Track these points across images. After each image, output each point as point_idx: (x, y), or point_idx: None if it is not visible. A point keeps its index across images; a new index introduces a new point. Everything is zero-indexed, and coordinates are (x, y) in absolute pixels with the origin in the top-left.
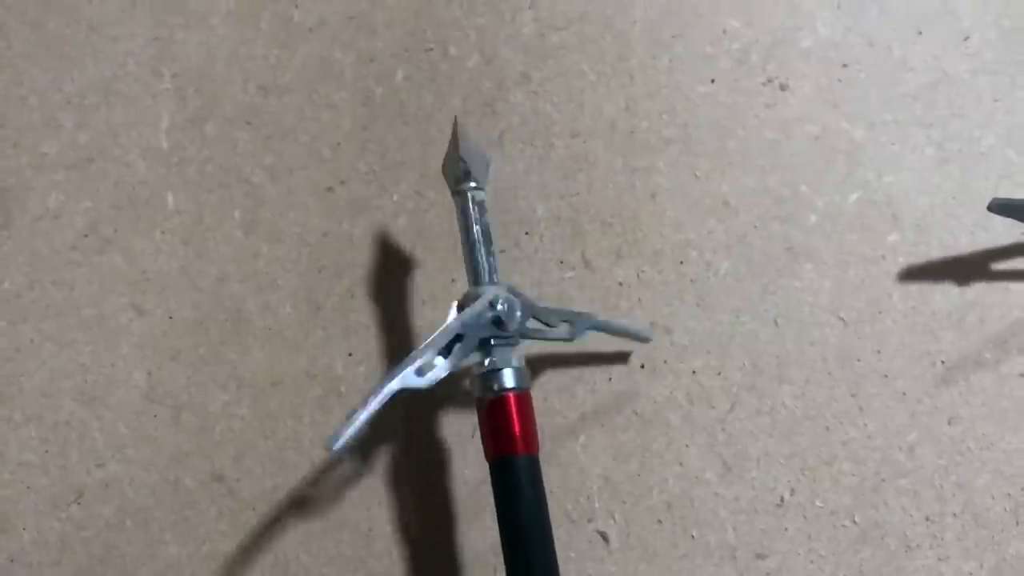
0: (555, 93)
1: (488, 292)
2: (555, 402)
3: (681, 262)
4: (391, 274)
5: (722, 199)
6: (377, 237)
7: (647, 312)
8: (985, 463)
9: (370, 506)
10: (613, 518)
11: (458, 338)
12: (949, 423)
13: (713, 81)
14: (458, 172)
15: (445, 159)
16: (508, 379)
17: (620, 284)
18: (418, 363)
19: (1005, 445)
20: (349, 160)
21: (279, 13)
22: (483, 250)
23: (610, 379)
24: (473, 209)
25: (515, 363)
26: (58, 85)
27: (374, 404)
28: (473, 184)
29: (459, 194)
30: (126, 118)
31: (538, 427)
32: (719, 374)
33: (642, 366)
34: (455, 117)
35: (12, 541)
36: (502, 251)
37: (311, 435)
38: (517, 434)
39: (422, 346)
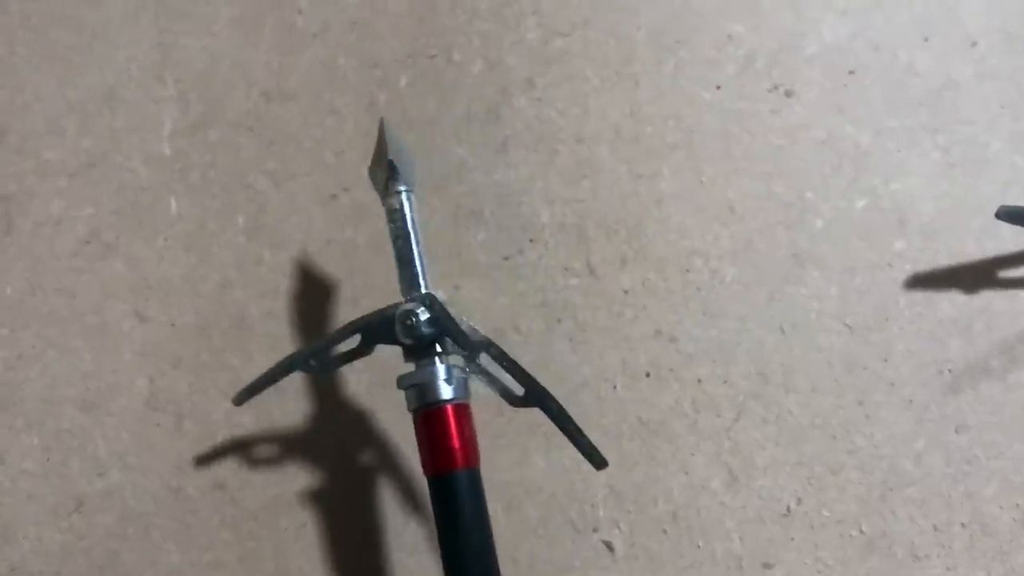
0: (559, 99)
1: (405, 303)
2: None
3: (686, 269)
4: (392, 281)
5: (728, 205)
6: (380, 244)
7: (652, 319)
8: (993, 472)
9: (371, 517)
10: (618, 527)
11: (367, 339)
12: (956, 431)
13: (718, 87)
14: (387, 175)
15: (371, 164)
16: (444, 390)
17: (625, 292)
18: (313, 350)
19: (1013, 454)
20: (352, 167)
21: (282, 19)
22: (418, 256)
23: (615, 387)
24: (407, 213)
25: (452, 373)
26: (61, 91)
27: (268, 375)
28: (404, 187)
29: (391, 197)
30: (129, 124)
31: (542, 435)
32: (725, 382)
33: (647, 374)
34: (381, 119)
35: (13, 550)
36: (506, 258)
37: (314, 443)
38: (456, 448)
39: (322, 338)
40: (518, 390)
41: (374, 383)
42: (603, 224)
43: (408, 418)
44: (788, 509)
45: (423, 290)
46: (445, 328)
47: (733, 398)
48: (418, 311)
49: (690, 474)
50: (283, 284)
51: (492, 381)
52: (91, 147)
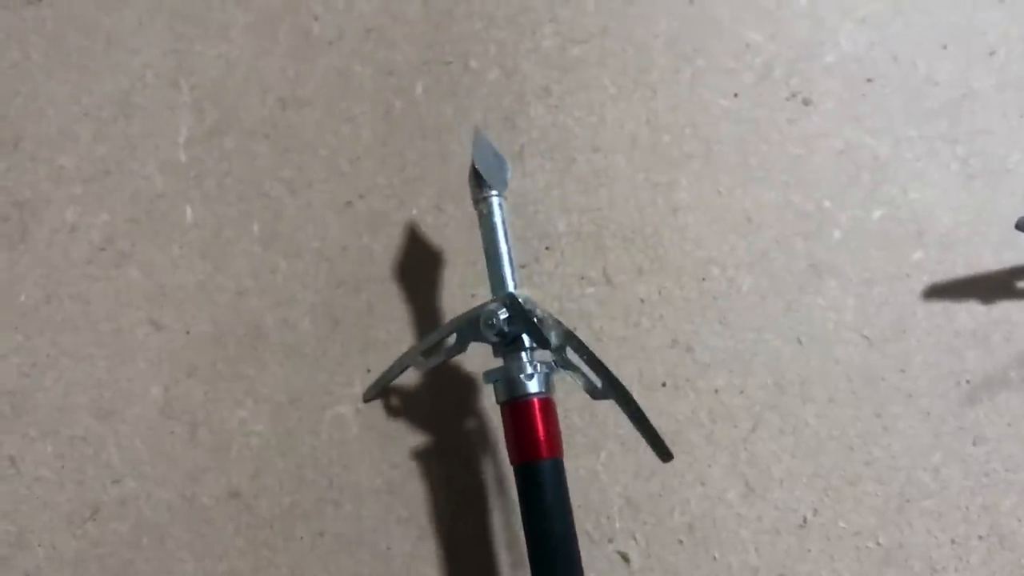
0: (576, 107)
1: (489, 302)
2: (575, 419)
3: (703, 278)
4: (410, 289)
5: (745, 215)
6: (396, 251)
7: (668, 329)
8: (1011, 484)
9: (388, 524)
10: (634, 538)
11: (461, 337)
12: (974, 443)
13: (736, 95)
14: (475, 182)
15: (470, 171)
16: (532, 384)
17: (641, 301)
18: (423, 347)
19: None
20: (368, 174)
21: (298, 26)
22: (505, 257)
23: None
24: (495, 216)
25: (538, 369)
26: (76, 98)
27: (390, 370)
28: (493, 192)
29: (480, 203)
30: (144, 131)
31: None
32: (741, 392)
33: (663, 384)
34: (475, 127)
35: (27, 558)
36: (523, 266)
37: (329, 452)
38: (541, 439)
39: (429, 335)
40: (597, 382)
41: (391, 392)
42: (619, 233)
43: (428, 424)
44: (804, 520)
45: (509, 289)
46: (524, 326)
47: (750, 408)
48: (499, 311)
49: (706, 485)
50: (299, 293)
51: (577, 374)
52: (106, 154)
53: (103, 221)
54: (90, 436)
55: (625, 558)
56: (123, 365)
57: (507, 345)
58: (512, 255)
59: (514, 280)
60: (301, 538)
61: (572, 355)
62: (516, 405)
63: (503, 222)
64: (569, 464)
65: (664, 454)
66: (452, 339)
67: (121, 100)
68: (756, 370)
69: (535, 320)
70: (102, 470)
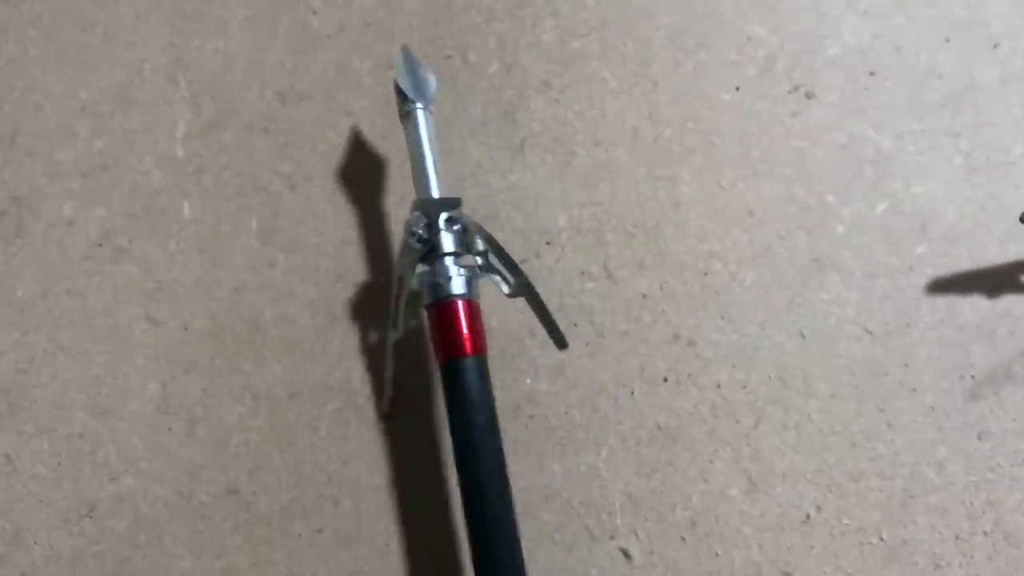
0: (577, 101)
1: (414, 212)
2: (576, 415)
3: (705, 273)
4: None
5: (747, 209)
6: (396, 247)
7: (671, 324)
8: (1016, 480)
9: (388, 521)
10: (636, 535)
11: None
12: (979, 438)
13: (738, 89)
14: (402, 95)
15: (394, 91)
16: (454, 286)
17: (643, 296)
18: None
19: None
20: (368, 168)
21: (297, 19)
22: (431, 166)
23: (632, 393)
24: (422, 127)
25: (461, 272)
26: (73, 92)
27: (389, 369)
28: (416, 105)
29: (405, 116)
30: (142, 125)
31: (558, 440)
32: (744, 387)
33: (665, 379)
34: (402, 46)
35: (24, 556)
36: (523, 261)
37: (328, 448)
38: (465, 336)
39: (393, 301)
40: (511, 283)
41: (390, 387)
42: (621, 227)
43: (425, 427)
44: (808, 517)
45: (435, 194)
46: (436, 230)
47: (752, 404)
48: (420, 220)
49: (709, 481)
50: (297, 288)
51: (499, 278)
52: (103, 149)
53: (100, 216)
54: (87, 433)
55: (627, 555)
56: (120, 361)
57: (431, 251)
58: (438, 165)
59: (439, 188)
60: (299, 535)
61: (494, 260)
62: (440, 306)
63: (428, 132)
64: (569, 460)
65: (560, 341)
66: (400, 286)
67: (118, 95)
68: (759, 365)
69: (451, 224)
70: (99, 467)
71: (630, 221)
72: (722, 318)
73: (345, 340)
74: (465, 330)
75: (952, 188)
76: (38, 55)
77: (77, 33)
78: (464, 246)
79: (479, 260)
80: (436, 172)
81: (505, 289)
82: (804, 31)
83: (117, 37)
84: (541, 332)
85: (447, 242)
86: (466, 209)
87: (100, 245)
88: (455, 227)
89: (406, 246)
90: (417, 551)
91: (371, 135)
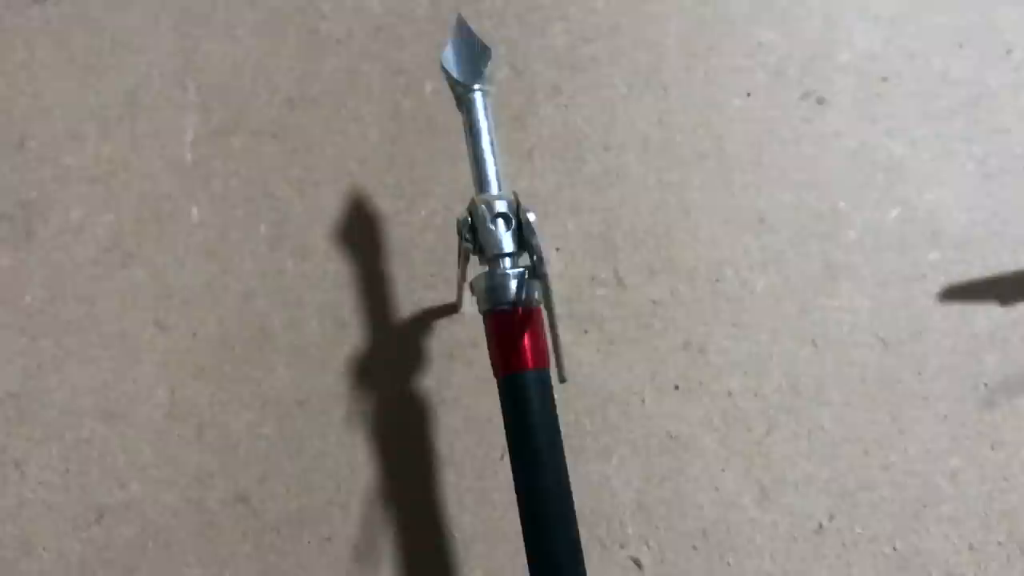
0: (586, 106)
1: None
2: (586, 423)
3: (716, 280)
4: (418, 290)
5: (758, 215)
6: (404, 251)
7: (681, 331)
8: None
9: (397, 529)
10: (647, 544)
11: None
12: (992, 448)
13: (749, 94)
14: (459, 76)
15: (442, 59)
16: (514, 292)
17: (653, 302)
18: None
19: None
20: (376, 174)
21: (306, 25)
22: (490, 158)
23: (643, 400)
24: (480, 113)
25: (520, 275)
26: (82, 97)
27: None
28: (477, 86)
29: (462, 99)
30: (150, 131)
31: (568, 448)
32: (756, 395)
33: (676, 387)
34: (458, 14)
35: (32, 562)
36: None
37: (337, 456)
38: (526, 348)
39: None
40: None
41: (399, 395)
42: (631, 233)
43: (432, 428)
44: (820, 526)
45: (495, 190)
46: (479, 233)
47: (764, 412)
48: (484, 208)
49: (720, 490)
50: (306, 294)
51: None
52: (112, 154)
53: (109, 221)
54: (95, 439)
55: (638, 564)
56: (129, 367)
57: (484, 252)
58: (496, 154)
59: (498, 181)
60: (308, 543)
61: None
62: (497, 315)
63: (486, 120)
64: (580, 469)
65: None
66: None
67: (127, 100)
68: (770, 373)
69: (507, 222)
70: (107, 473)
71: (640, 227)
72: (733, 325)
73: (354, 347)
74: (526, 341)
75: (965, 195)
76: (47, 60)
77: (86, 39)
78: (522, 246)
79: (534, 261)
80: (495, 166)
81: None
82: (815, 37)
83: (126, 43)
84: None
85: (504, 242)
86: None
87: (108, 250)
88: (512, 226)
89: (461, 247)
90: (426, 559)
91: (381, 139)
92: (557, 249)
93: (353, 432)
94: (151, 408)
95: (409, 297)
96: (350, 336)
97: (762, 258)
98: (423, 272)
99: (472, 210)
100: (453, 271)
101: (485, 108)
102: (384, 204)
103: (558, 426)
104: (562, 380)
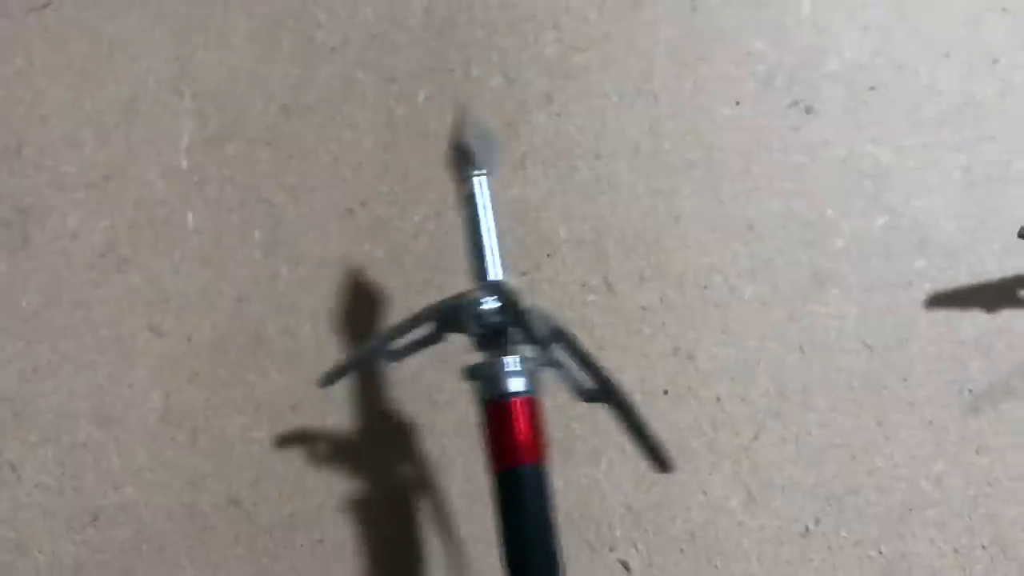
0: (578, 114)
1: (475, 290)
2: (576, 427)
3: (705, 286)
4: (411, 295)
5: (747, 223)
6: (397, 258)
7: (670, 337)
8: (1015, 494)
9: (388, 532)
10: (635, 547)
11: (440, 327)
12: (977, 452)
13: (738, 103)
14: (460, 159)
15: (448, 149)
16: (516, 382)
17: (643, 308)
18: (390, 334)
19: None
20: (370, 181)
21: (301, 33)
22: (488, 243)
23: None
24: (479, 198)
25: (522, 364)
26: (78, 104)
27: (353, 358)
28: (477, 172)
29: (464, 182)
30: (146, 137)
31: (559, 452)
32: (743, 401)
33: (665, 392)
34: (462, 104)
35: (28, 564)
36: (523, 274)
37: (330, 460)
38: (523, 442)
39: (399, 323)
40: (588, 384)
41: (390, 399)
42: (621, 240)
43: (427, 433)
44: (806, 530)
45: (494, 277)
46: (514, 317)
47: (752, 417)
48: (486, 299)
49: (708, 494)
50: (300, 299)
51: (562, 373)
52: (108, 160)
53: (104, 227)
54: (90, 442)
55: (626, 567)
56: (124, 371)
57: (491, 338)
58: (497, 240)
59: (496, 268)
60: (301, 546)
61: (560, 352)
62: (495, 404)
63: (489, 204)
64: (570, 472)
65: (664, 464)
66: (429, 328)
67: (123, 107)
68: (758, 378)
69: (524, 312)
70: (102, 477)
71: (630, 234)
72: (722, 331)
73: (346, 352)
74: (523, 435)
75: (951, 203)
76: (44, 67)
77: (83, 46)
78: (525, 334)
79: (541, 353)
80: (496, 251)
81: (570, 386)
82: (804, 46)
83: (122, 50)
84: None
85: (505, 331)
86: None
87: (104, 256)
88: (515, 314)
89: (457, 312)
90: (417, 562)
91: (375, 146)
92: (548, 255)
93: (345, 436)
94: (146, 412)
95: (402, 302)
96: (343, 341)
97: (751, 265)
98: (416, 278)
99: (500, 294)
100: (446, 276)
101: (489, 192)
102: (377, 210)
103: (553, 522)
104: (668, 469)
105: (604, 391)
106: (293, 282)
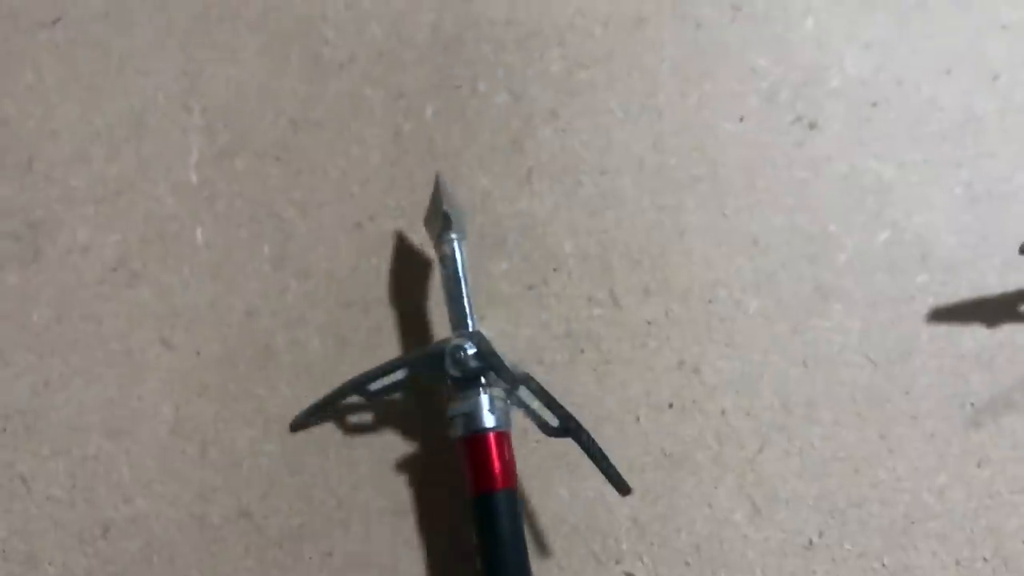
0: (583, 130)
1: (454, 338)
2: None
3: (710, 301)
4: (418, 310)
5: (751, 238)
6: (405, 274)
7: (675, 351)
8: (1016, 506)
9: (397, 545)
10: (641, 560)
11: (413, 372)
12: (979, 466)
13: (742, 119)
14: (442, 225)
15: (427, 213)
16: (488, 419)
17: (648, 322)
18: (364, 378)
19: None
20: (378, 196)
21: (309, 49)
22: (466, 297)
23: (638, 419)
24: (458, 258)
25: (495, 404)
26: (88, 118)
27: (324, 400)
28: (456, 235)
29: (444, 244)
30: (156, 152)
31: (565, 465)
32: (748, 414)
33: (670, 405)
34: (437, 174)
35: None
36: (530, 288)
37: (338, 472)
38: (497, 471)
39: (373, 369)
40: (553, 421)
41: (399, 414)
42: (626, 254)
43: (432, 448)
44: (810, 542)
45: (471, 328)
46: (490, 363)
47: (756, 430)
48: (466, 346)
49: (713, 506)
50: (309, 313)
51: (529, 412)
52: (118, 175)
53: (115, 241)
54: (101, 455)
55: None
56: (134, 384)
57: (467, 381)
58: (471, 295)
59: (472, 319)
60: (310, 558)
61: (525, 393)
62: (471, 439)
63: (464, 263)
64: (576, 486)
65: (622, 488)
66: (401, 374)
67: (133, 121)
68: (762, 392)
69: (497, 358)
70: (113, 489)
71: (635, 248)
72: (726, 345)
73: (355, 365)
74: (497, 465)
75: (953, 218)
76: (54, 82)
77: (93, 61)
78: (497, 377)
79: (509, 395)
80: (471, 304)
81: (536, 422)
82: (807, 63)
83: (132, 65)
84: (548, 356)
85: (479, 374)
86: (475, 236)
87: (115, 270)
88: (489, 359)
89: (439, 358)
90: (426, 575)
91: (382, 162)
92: (554, 269)
93: (353, 449)
94: (156, 425)
95: (408, 315)
96: (351, 355)
97: (755, 279)
98: (422, 293)
99: (479, 342)
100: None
101: (464, 253)
102: (385, 225)
103: (524, 544)
104: (624, 492)
105: (565, 427)
106: (302, 295)
